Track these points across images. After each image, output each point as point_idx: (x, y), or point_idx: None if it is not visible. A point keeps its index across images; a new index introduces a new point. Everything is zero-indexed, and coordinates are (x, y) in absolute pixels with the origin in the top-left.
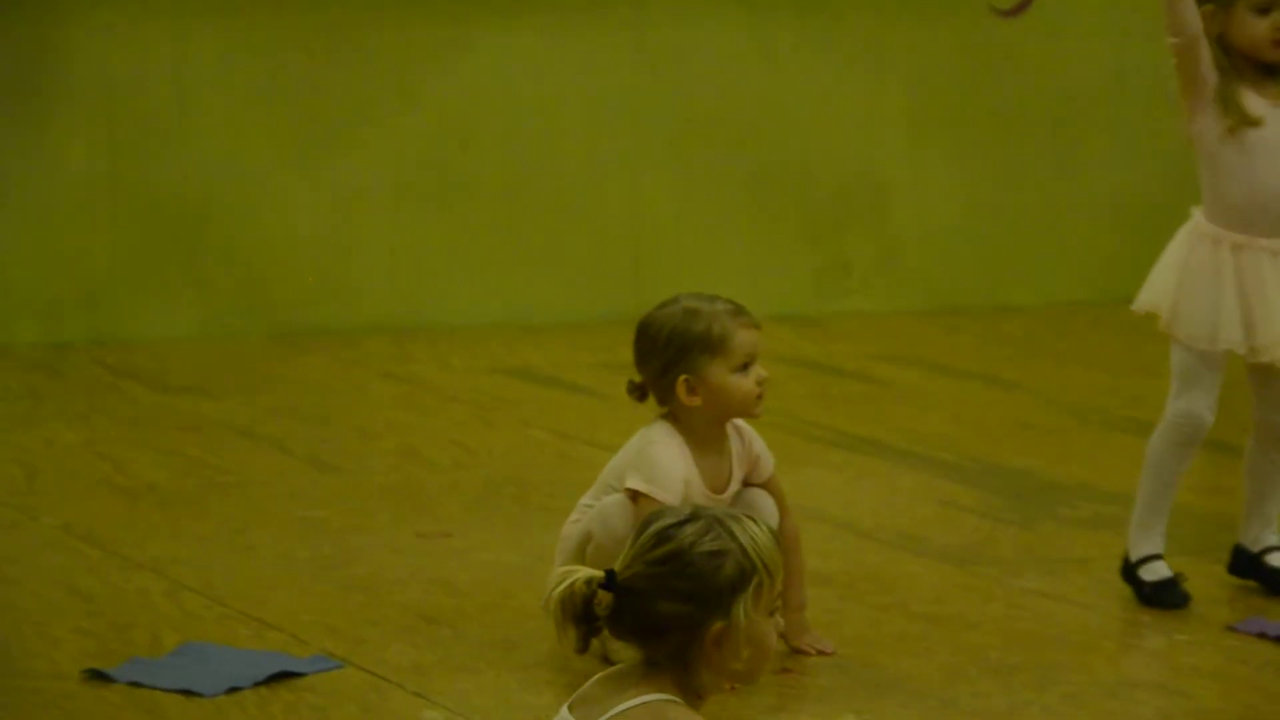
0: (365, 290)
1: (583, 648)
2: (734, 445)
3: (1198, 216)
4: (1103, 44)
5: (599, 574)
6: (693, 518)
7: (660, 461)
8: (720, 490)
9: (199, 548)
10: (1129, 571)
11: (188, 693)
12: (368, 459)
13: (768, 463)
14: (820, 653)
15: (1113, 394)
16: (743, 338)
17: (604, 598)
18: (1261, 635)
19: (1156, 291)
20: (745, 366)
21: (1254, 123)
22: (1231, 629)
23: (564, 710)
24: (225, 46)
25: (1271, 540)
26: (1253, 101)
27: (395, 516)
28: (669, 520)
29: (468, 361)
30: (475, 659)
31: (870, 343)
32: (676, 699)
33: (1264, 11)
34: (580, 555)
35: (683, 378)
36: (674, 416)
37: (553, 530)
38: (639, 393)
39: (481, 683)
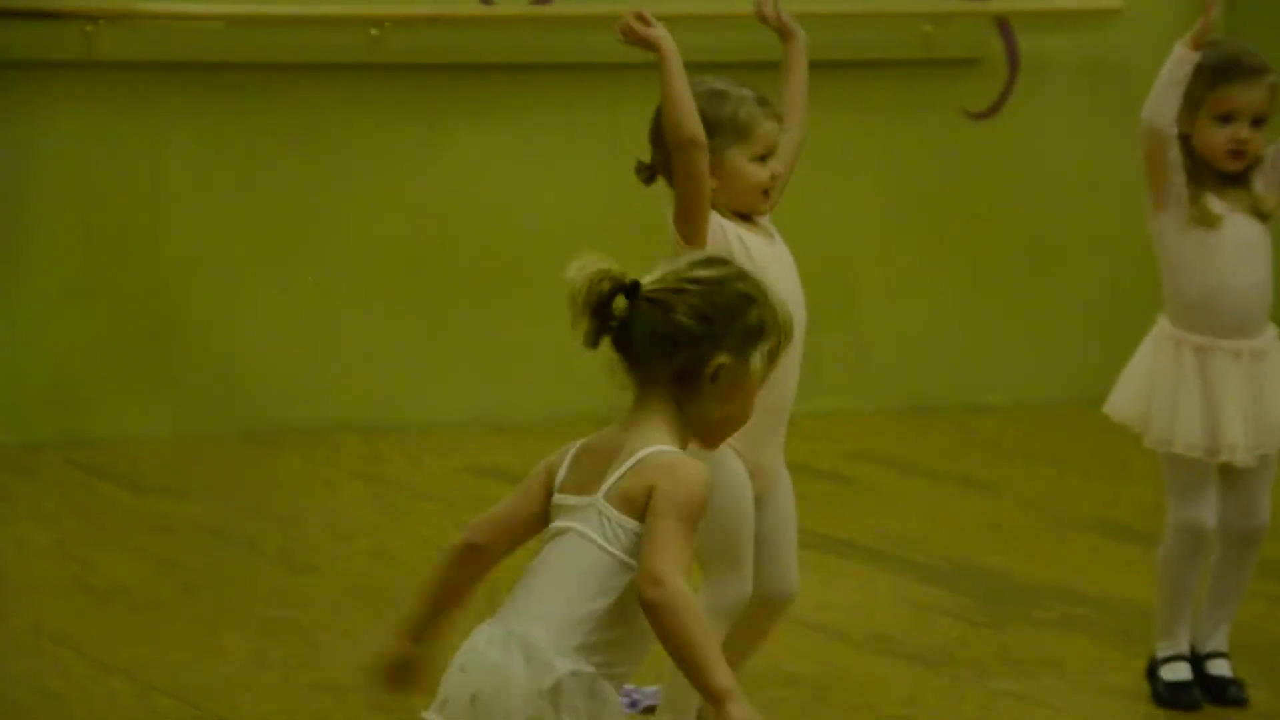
0: (337, 389)
1: (593, 343)
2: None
3: (1162, 321)
4: (1077, 147)
5: (625, 277)
6: (729, 262)
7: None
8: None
9: (170, 649)
10: (1152, 670)
11: None
12: (339, 559)
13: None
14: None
15: (1085, 496)
16: (767, 128)
17: (621, 303)
18: None
19: (1127, 401)
20: (763, 158)
21: (1212, 223)
22: None
23: (556, 490)
24: (200, 146)
25: (1214, 643)
26: (1213, 202)
27: (367, 616)
28: (714, 257)
29: (440, 461)
30: None
31: (843, 442)
32: (676, 449)
33: (1225, 120)
34: None
35: None
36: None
37: None
38: (648, 173)
39: None
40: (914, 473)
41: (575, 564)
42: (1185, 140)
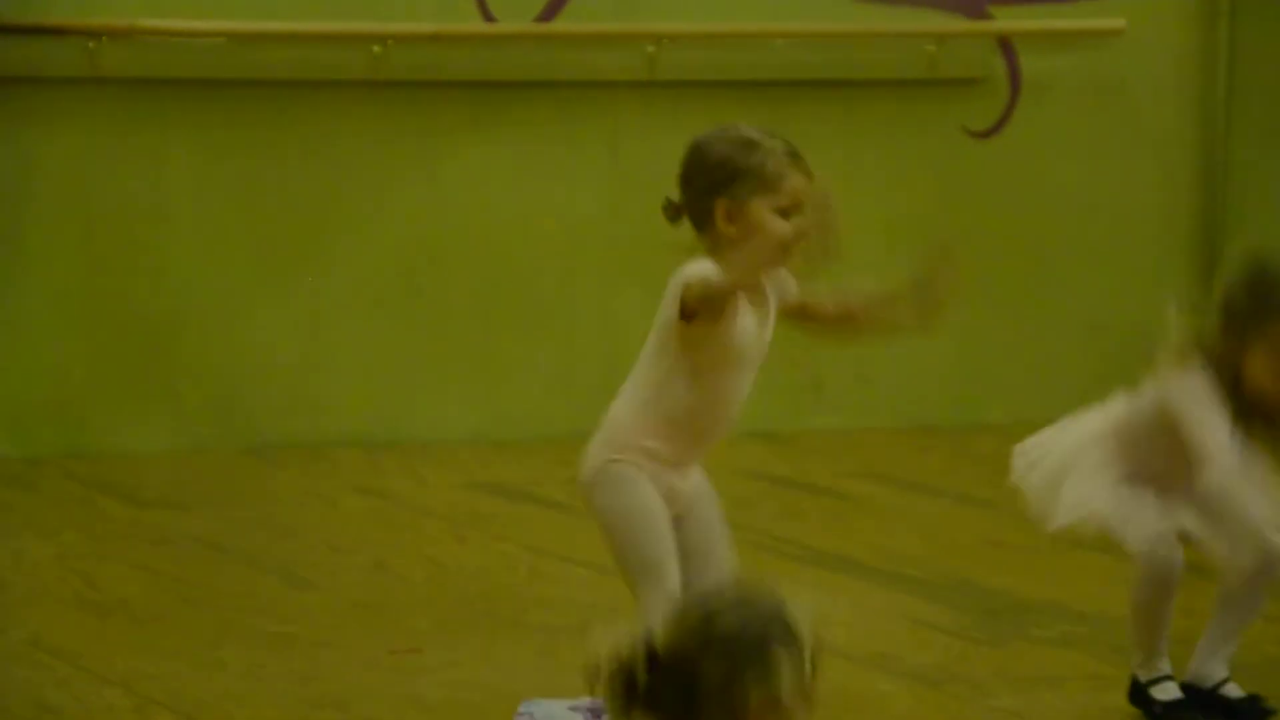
0: (337, 404)
1: (625, 717)
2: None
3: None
4: (1078, 166)
5: (643, 649)
6: (755, 606)
7: (692, 267)
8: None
9: (168, 663)
10: (1139, 693)
11: None
12: (339, 574)
13: (792, 284)
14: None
15: None
16: (795, 181)
17: (643, 676)
18: None
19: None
20: (787, 212)
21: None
22: None
23: None
24: (201, 162)
25: (1222, 672)
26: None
27: (366, 632)
28: (719, 599)
29: (440, 476)
30: None
31: (842, 460)
32: None
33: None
34: (616, 548)
35: (724, 202)
36: (713, 252)
37: (525, 646)
38: (673, 212)
39: None
40: (913, 490)
41: None
42: (1222, 363)
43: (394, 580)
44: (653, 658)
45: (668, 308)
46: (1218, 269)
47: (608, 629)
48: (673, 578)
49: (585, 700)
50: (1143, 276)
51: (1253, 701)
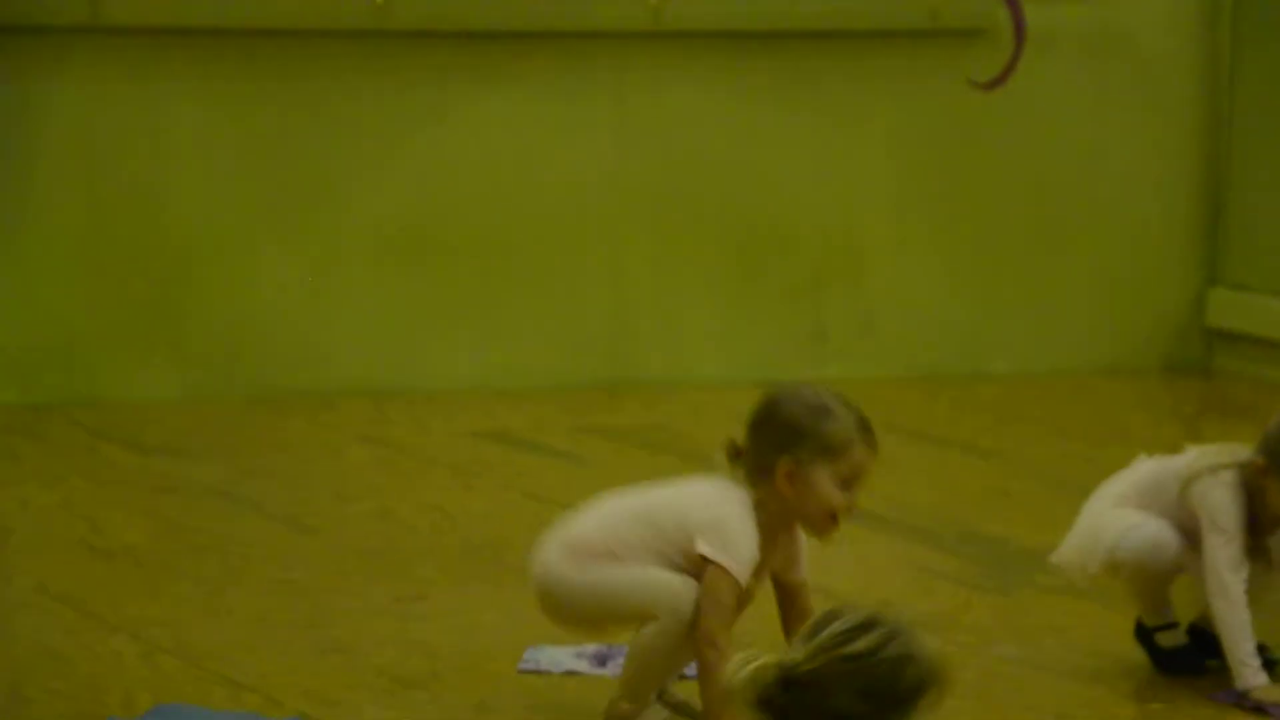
0: (343, 353)
1: None
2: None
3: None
4: (1082, 116)
5: (778, 669)
6: (876, 621)
7: (740, 539)
8: (756, 578)
9: (175, 609)
10: (1145, 636)
11: None
12: (345, 521)
13: (803, 563)
14: None
15: (1090, 463)
16: (861, 456)
17: (778, 693)
18: (1238, 704)
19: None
20: (847, 483)
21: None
22: (1212, 697)
23: None
24: (205, 111)
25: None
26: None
27: (372, 579)
28: (854, 621)
29: (446, 425)
30: None
31: None
32: None
33: None
34: (613, 614)
35: (788, 463)
36: (756, 493)
37: (527, 593)
38: (735, 453)
39: None
40: (919, 439)
41: None
42: (1249, 478)
43: (400, 528)
44: (788, 681)
45: (693, 526)
46: (1221, 222)
47: (746, 652)
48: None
49: (590, 646)
50: (1147, 228)
51: (1260, 650)
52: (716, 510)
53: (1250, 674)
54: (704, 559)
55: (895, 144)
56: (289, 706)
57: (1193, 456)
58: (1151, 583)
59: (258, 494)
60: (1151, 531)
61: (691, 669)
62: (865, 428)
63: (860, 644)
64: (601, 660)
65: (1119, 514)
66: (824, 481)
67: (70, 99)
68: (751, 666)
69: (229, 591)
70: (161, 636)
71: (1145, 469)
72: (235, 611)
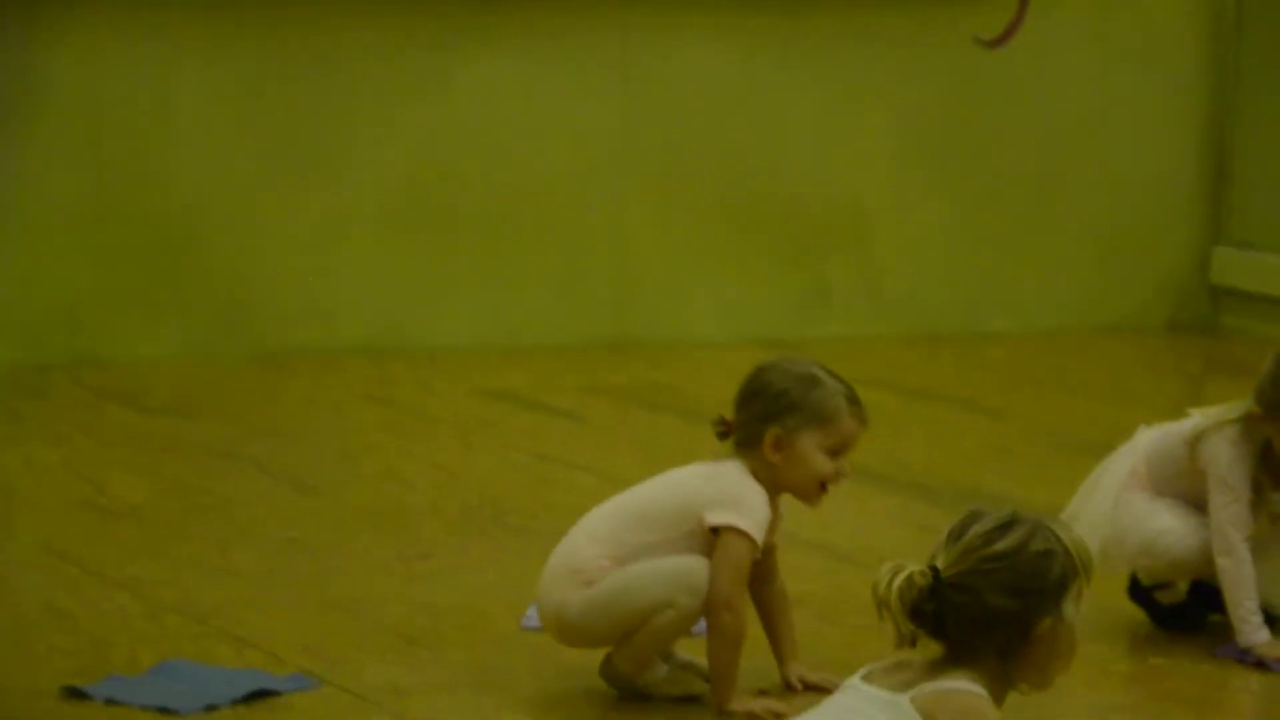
0: (347, 313)
1: (912, 643)
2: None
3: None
4: (1087, 74)
5: (927, 574)
6: (1016, 519)
7: (751, 499)
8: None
9: (178, 567)
10: (1141, 594)
11: (165, 710)
12: (348, 480)
13: (779, 529)
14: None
15: (1092, 421)
16: (849, 425)
17: (928, 599)
18: (1240, 660)
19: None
20: (836, 452)
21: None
22: (1215, 653)
23: (856, 678)
24: (210, 70)
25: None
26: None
27: (375, 538)
28: (994, 521)
29: (449, 384)
30: (454, 680)
31: (850, 368)
32: (985, 694)
33: None
34: (632, 617)
35: (776, 431)
36: (748, 464)
37: (533, 552)
38: (724, 429)
39: (459, 704)
40: (922, 398)
41: None
42: (1255, 430)
43: (403, 487)
44: (938, 587)
45: (698, 505)
46: (1226, 180)
47: (892, 564)
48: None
49: None
50: (1151, 187)
51: (1263, 608)
52: (718, 482)
53: (1252, 630)
54: (715, 530)
55: (900, 103)
56: (292, 664)
57: (1195, 420)
58: (1180, 576)
59: (261, 453)
60: (1181, 538)
61: (699, 626)
62: (853, 399)
63: (1004, 543)
64: None
65: (1143, 509)
66: (812, 450)
67: (74, 62)
68: (900, 578)
69: (233, 550)
70: (165, 594)
71: (1149, 439)
72: (239, 570)
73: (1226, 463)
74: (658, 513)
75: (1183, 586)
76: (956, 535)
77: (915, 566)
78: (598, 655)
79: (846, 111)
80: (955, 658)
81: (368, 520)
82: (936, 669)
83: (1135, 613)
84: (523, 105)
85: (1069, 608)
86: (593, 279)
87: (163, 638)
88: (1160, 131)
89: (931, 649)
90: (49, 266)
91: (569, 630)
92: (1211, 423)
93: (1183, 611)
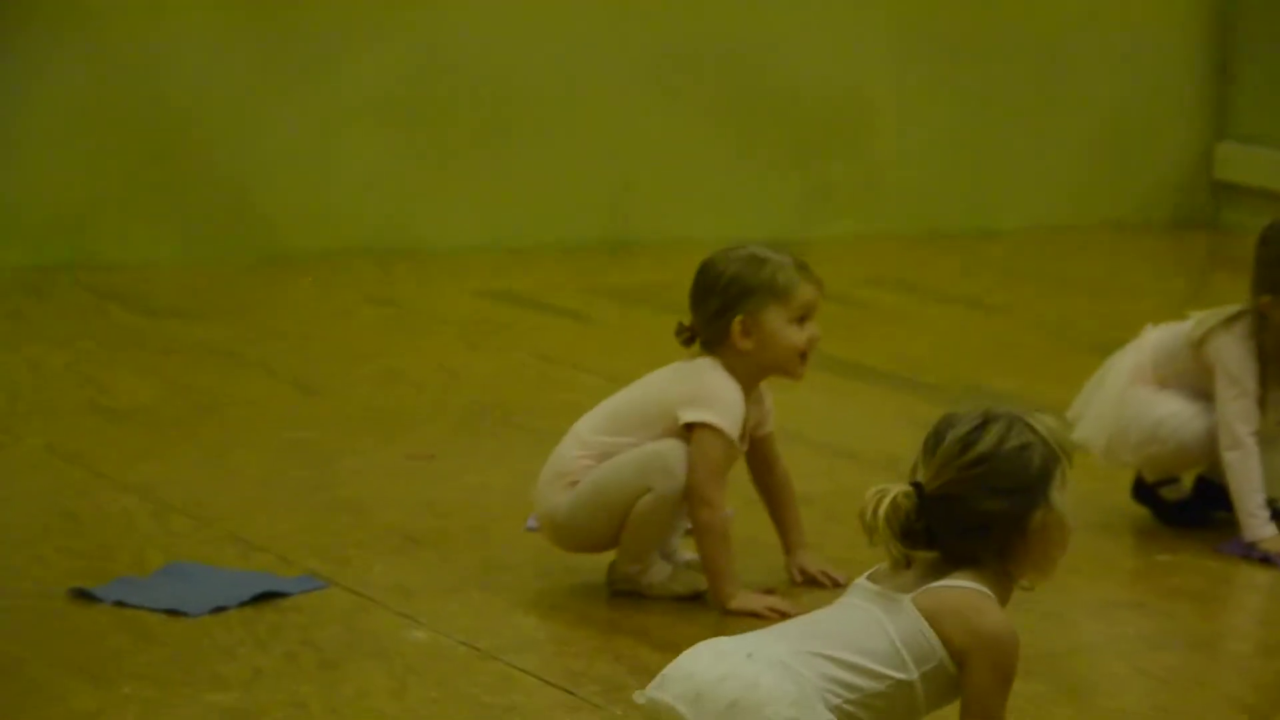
0: (349, 214)
1: (906, 564)
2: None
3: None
4: None
5: (910, 493)
6: (990, 417)
7: (724, 395)
8: (741, 440)
9: (184, 469)
10: (1145, 492)
11: (173, 612)
12: (353, 382)
13: (771, 418)
14: (834, 583)
15: (1096, 316)
16: (805, 291)
17: (916, 518)
18: (1246, 556)
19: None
20: (802, 320)
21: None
22: (1219, 549)
23: (863, 578)
24: None
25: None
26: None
27: (380, 439)
28: (968, 425)
29: (452, 285)
30: (460, 580)
31: (853, 266)
32: (991, 594)
33: None
34: (615, 508)
35: (739, 318)
36: (722, 361)
37: (537, 453)
38: (688, 335)
39: (466, 603)
40: (925, 296)
41: (857, 636)
42: (1259, 322)
43: (407, 387)
44: (924, 503)
45: (673, 404)
46: (1228, 75)
47: (876, 489)
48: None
49: None
50: (1155, 79)
51: (1269, 503)
52: (690, 381)
53: (1259, 525)
54: (690, 426)
55: (900, 0)
56: (299, 565)
57: (1199, 318)
58: (1185, 464)
59: (265, 355)
60: (1187, 421)
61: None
62: (802, 265)
63: (981, 445)
64: None
65: (1147, 399)
66: (780, 325)
67: None
68: (885, 502)
69: (238, 452)
70: (171, 496)
71: (1154, 338)
72: (245, 471)
73: (1234, 358)
74: (633, 413)
75: (1187, 483)
76: (933, 446)
77: (898, 488)
78: (605, 556)
79: (847, 6)
80: (956, 560)
81: (372, 421)
82: (938, 568)
83: (1141, 511)
84: (522, 2)
85: (1056, 496)
86: (596, 179)
87: (170, 540)
88: (1162, 27)
89: (934, 556)
90: (50, 170)
91: (561, 532)
92: (1219, 320)
93: (1188, 507)
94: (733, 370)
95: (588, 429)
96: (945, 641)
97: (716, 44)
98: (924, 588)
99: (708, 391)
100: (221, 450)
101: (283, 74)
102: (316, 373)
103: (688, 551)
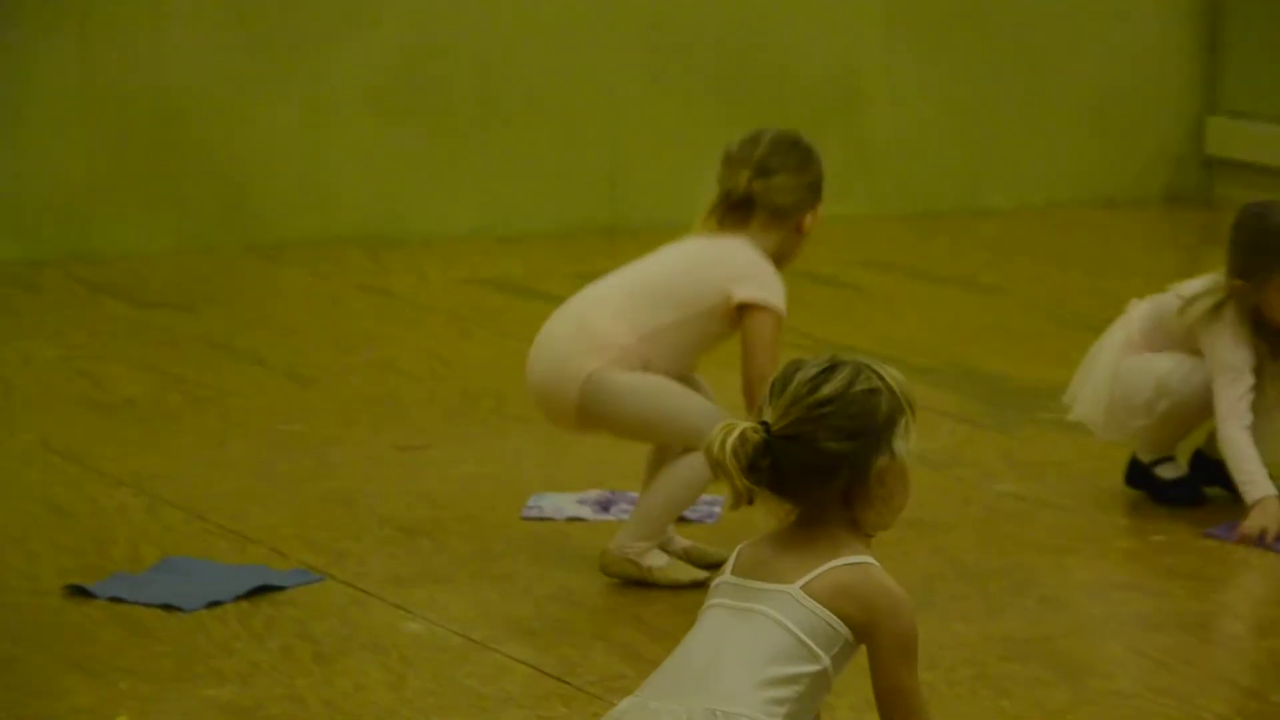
0: (341, 202)
1: (749, 500)
2: None
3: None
4: None
5: (757, 430)
6: (837, 362)
7: (773, 278)
8: None
9: (178, 462)
10: (1141, 474)
11: (168, 607)
12: (345, 372)
13: None
14: None
15: (1090, 295)
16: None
17: (761, 455)
18: (1228, 539)
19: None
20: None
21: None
22: (1206, 534)
23: (730, 577)
24: None
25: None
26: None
27: (373, 429)
28: (816, 367)
29: (444, 272)
30: (455, 570)
31: (846, 248)
32: (875, 562)
33: None
34: (657, 430)
35: (810, 213)
36: (763, 240)
37: (532, 442)
38: (741, 200)
39: (461, 594)
40: (917, 277)
41: (764, 646)
42: (1242, 304)
43: (400, 377)
44: (770, 441)
45: (722, 281)
46: (1219, 49)
47: (724, 424)
48: (699, 406)
49: (592, 493)
50: (1146, 56)
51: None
52: (738, 259)
53: (1255, 489)
54: (743, 306)
55: None
56: (294, 558)
57: (1182, 288)
58: (1185, 423)
59: (257, 345)
60: (1189, 374)
61: (692, 511)
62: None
63: (829, 387)
64: (605, 506)
65: (1143, 363)
66: (810, 223)
67: None
68: (732, 437)
69: (231, 444)
70: (165, 489)
71: (1140, 312)
72: (238, 464)
73: (1226, 346)
74: (678, 289)
75: (1183, 461)
76: (781, 388)
77: (746, 424)
78: (600, 543)
79: None
80: (808, 518)
81: (365, 411)
82: (803, 544)
83: (1135, 491)
84: None
85: (899, 444)
86: (586, 164)
87: (164, 534)
88: (1151, 3)
89: (781, 519)
90: (42, 161)
91: (590, 399)
92: (1203, 307)
93: (1183, 485)
94: (765, 254)
95: (621, 301)
96: (844, 619)
97: (707, 26)
98: (810, 575)
99: (758, 270)
100: (215, 443)
101: (273, 63)
102: (309, 363)
103: (682, 538)
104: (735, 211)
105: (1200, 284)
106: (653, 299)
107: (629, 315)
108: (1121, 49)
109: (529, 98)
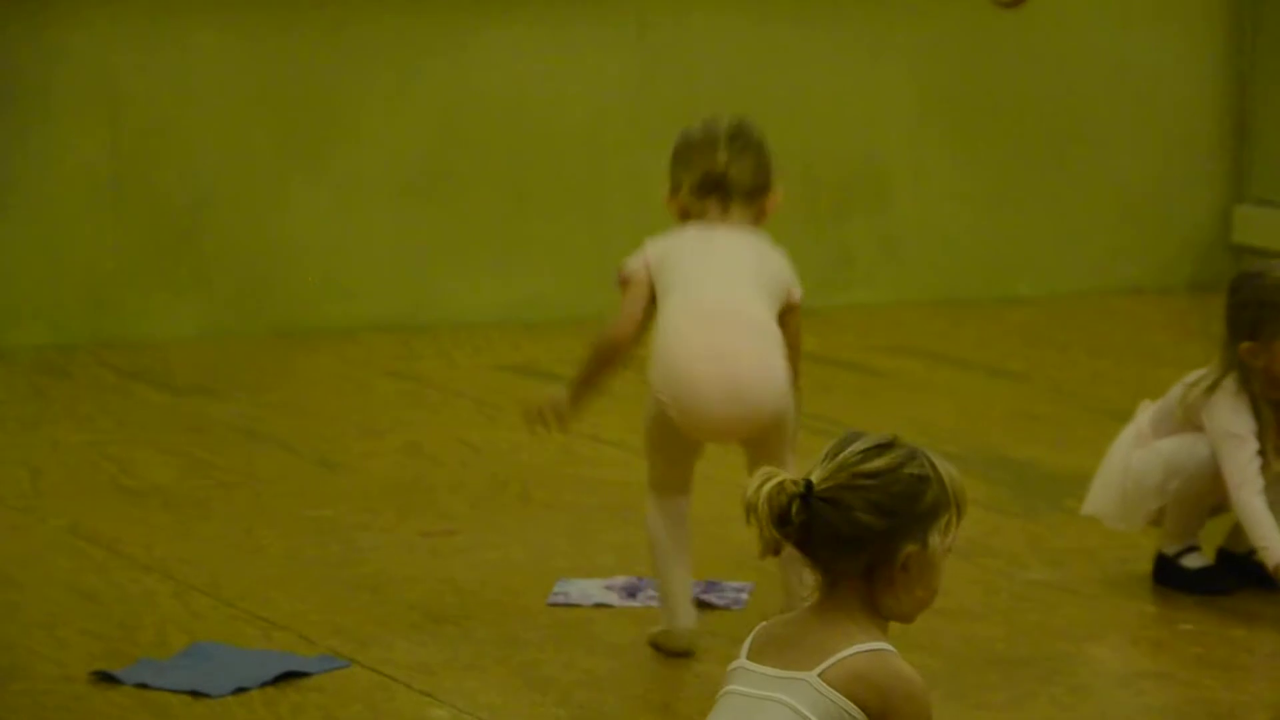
0: (368, 288)
1: (775, 551)
2: None
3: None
4: (1104, 34)
5: (800, 484)
6: (895, 442)
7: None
8: None
9: (205, 548)
10: (1166, 567)
11: (195, 693)
12: (373, 457)
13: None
14: None
15: (1117, 383)
16: None
17: (798, 509)
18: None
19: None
20: None
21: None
22: None
23: (745, 662)
24: (226, 45)
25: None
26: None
27: (401, 515)
28: (872, 441)
29: (472, 358)
30: (481, 657)
31: (872, 334)
32: (892, 649)
33: None
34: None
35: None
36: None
37: (558, 528)
38: (747, 190)
39: (488, 681)
40: (945, 363)
41: None
42: (1247, 367)
43: (427, 462)
44: (808, 498)
45: (785, 280)
46: (1246, 137)
47: (762, 470)
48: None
49: (619, 579)
50: (1172, 145)
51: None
52: (778, 256)
53: (1274, 554)
54: (791, 304)
55: (917, 65)
56: (320, 644)
57: (1188, 378)
58: (1200, 501)
59: (285, 431)
60: (1196, 448)
61: (719, 597)
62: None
63: (879, 461)
64: (632, 592)
65: (1149, 451)
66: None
67: (91, 35)
68: (771, 484)
69: (259, 530)
70: (193, 575)
71: (1149, 410)
72: (266, 549)
73: (1226, 415)
74: (768, 284)
75: (1208, 550)
76: (834, 453)
77: (789, 476)
78: (628, 630)
79: (864, 73)
80: (828, 597)
81: (393, 497)
82: (820, 628)
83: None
84: (539, 71)
85: (935, 539)
86: (613, 250)
87: (191, 619)
88: (1180, 90)
89: (809, 607)
90: (71, 246)
91: (786, 397)
92: (1203, 387)
93: (1211, 575)
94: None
95: (749, 289)
96: (862, 706)
97: (733, 110)
98: (827, 663)
99: (789, 270)
100: (243, 529)
101: (301, 151)
102: (336, 449)
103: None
104: (714, 194)
105: (1204, 371)
106: (757, 288)
107: (756, 300)
108: (1149, 138)
109: (556, 182)
